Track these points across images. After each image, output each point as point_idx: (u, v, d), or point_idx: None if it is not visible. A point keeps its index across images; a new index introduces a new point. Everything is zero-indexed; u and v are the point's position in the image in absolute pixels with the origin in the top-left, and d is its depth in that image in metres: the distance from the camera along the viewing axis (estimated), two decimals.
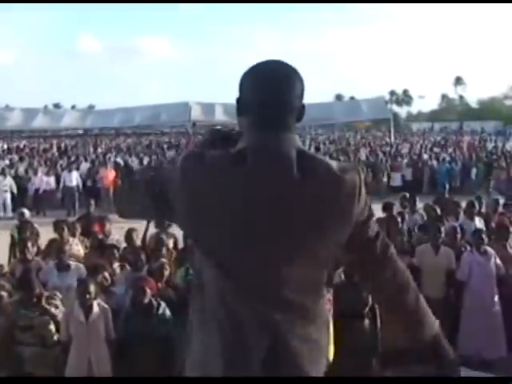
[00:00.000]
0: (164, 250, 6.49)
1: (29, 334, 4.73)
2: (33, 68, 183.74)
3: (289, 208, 1.54)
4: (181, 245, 6.84)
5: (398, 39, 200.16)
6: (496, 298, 6.03)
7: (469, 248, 6.37)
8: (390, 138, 34.90)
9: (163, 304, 4.98)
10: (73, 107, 59.79)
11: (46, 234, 7.44)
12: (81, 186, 16.97)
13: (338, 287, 4.99)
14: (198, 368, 1.66)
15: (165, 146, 29.52)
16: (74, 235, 7.25)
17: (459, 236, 6.56)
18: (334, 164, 1.61)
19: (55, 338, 4.84)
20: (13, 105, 46.91)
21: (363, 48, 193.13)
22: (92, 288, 4.83)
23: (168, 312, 4.96)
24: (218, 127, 1.65)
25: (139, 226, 6.94)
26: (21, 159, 21.76)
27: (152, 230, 7.20)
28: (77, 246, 7.08)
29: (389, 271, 1.77)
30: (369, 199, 1.71)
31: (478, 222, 7.64)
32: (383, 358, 5.17)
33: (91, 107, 62.42)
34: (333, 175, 1.58)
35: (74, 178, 16.73)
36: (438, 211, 8.13)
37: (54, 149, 28.86)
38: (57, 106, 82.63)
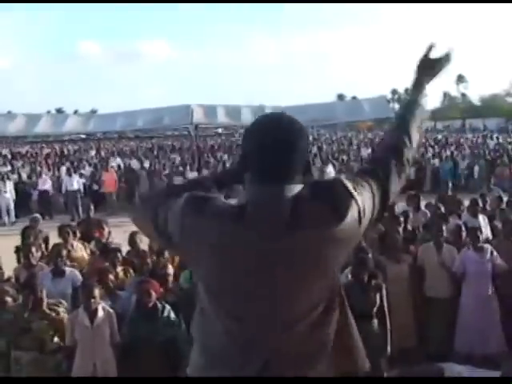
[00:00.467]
0: (167, 253, 6.49)
1: (27, 337, 4.70)
2: (34, 73, 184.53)
3: (277, 263, 1.56)
4: None
5: (399, 38, 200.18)
6: (492, 295, 6.05)
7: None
8: None
9: (168, 307, 4.98)
10: (75, 112, 59.80)
11: (52, 238, 7.46)
12: (82, 189, 16.99)
13: (346, 287, 4.98)
14: (197, 371, 1.71)
15: (167, 149, 29.56)
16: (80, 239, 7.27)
17: (464, 234, 6.55)
18: (329, 206, 1.58)
19: (54, 344, 4.79)
20: (15, 110, 47.05)
21: (364, 47, 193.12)
22: (97, 292, 4.84)
23: (173, 315, 4.96)
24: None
25: None
26: (23, 165, 21.85)
27: None
28: (81, 251, 7.09)
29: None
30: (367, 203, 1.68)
31: (482, 220, 7.62)
32: (391, 358, 5.17)
33: (94, 111, 62.45)
34: (328, 223, 1.57)
35: (75, 182, 16.74)
36: (442, 209, 8.12)
37: (57, 153, 28.93)
38: (59, 110, 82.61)
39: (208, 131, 48.08)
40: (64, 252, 6.07)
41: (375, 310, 5.15)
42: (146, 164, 21.27)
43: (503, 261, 6.13)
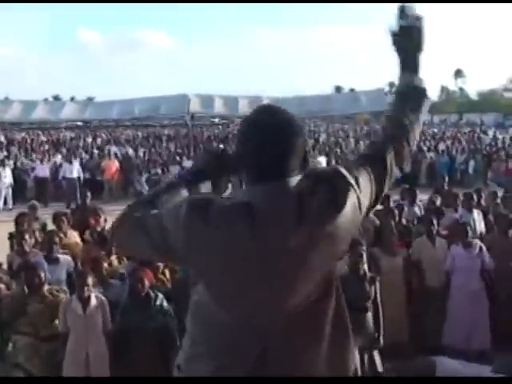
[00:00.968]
0: None
1: (23, 321, 4.68)
2: (32, 60, 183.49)
3: (284, 259, 1.55)
4: None
5: None
6: (481, 290, 6.07)
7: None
8: None
9: (160, 295, 4.98)
10: (72, 99, 59.54)
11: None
12: (82, 177, 16.83)
13: (342, 279, 4.98)
14: (192, 361, 1.68)
15: (163, 138, 29.43)
16: (72, 227, 7.24)
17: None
18: (329, 197, 1.58)
19: (51, 329, 4.78)
20: (12, 97, 46.88)
21: (362, 40, 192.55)
22: (90, 280, 4.83)
23: (165, 303, 4.96)
24: (210, 149, 1.66)
25: None
26: (19, 151, 21.72)
27: None
28: (75, 238, 7.07)
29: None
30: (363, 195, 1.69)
31: (477, 215, 7.64)
32: (383, 352, 5.19)
33: (90, 99, 62.17)
34: (329, 216, 1.57)
35: (74, 169, 16.60)
36: (438, 203, 8.12)
37: (53, 140, 28.78)
38: (56, 97, 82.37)
39: (204, 120, 47.98)
40: (57, 239, 6.05)
41: (369, 303, 5.16)
42: (141, 153, 21.11)
43: (497, 255, 6.15)
